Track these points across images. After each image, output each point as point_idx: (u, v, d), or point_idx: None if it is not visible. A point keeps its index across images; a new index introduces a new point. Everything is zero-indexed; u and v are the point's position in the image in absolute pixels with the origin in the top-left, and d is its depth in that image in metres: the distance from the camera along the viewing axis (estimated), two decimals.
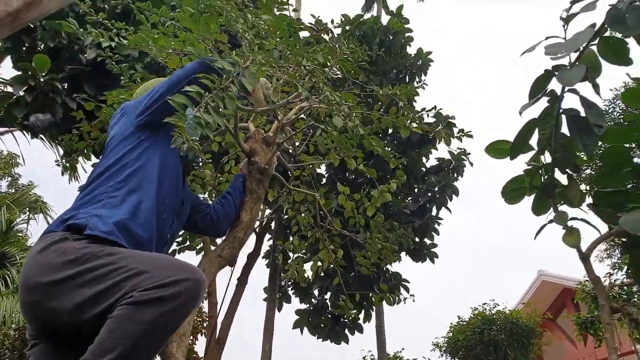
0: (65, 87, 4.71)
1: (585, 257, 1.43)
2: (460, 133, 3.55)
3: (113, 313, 1.25)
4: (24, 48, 4.82)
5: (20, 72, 4.48)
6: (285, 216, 5.75)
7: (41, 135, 5.62)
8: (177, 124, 1.39)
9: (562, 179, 1.44)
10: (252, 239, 7.62)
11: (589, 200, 1.55)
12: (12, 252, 11.21)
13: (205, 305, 9.31)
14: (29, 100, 4.36)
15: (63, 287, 1.33)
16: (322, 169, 7.42)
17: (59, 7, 1.07)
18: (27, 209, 12.75)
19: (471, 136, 3.50)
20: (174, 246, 5.63)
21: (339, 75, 2.56)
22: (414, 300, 3.67)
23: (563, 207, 1.43)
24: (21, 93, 4.44)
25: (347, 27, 8.15)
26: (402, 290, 7.18)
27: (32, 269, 1.39)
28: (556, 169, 1.39)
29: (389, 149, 7.55)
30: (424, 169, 7.76)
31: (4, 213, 10.96)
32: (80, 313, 1.30)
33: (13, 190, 14.64)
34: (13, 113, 4.39)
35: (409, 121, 2.87)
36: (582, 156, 1.53)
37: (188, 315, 1.34)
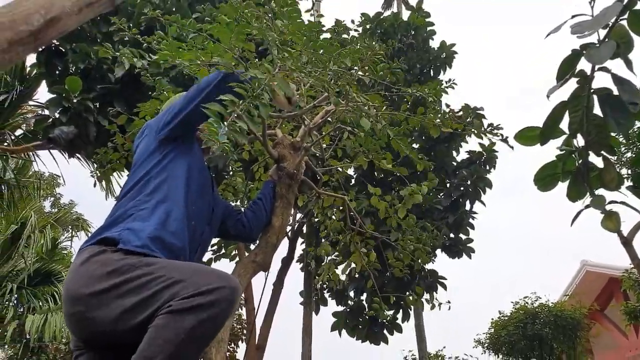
0: (97, 106, 4.87)
1: (627, 242, 1.37)
2: (491, 127, 3.47)
3: (153, 322, 1.28)
4: (57, 72, 5.02)
5: (54, 95, 4.66)
6: (316, 219, 5.75)
7: (77, 155, 5.83)
8: (210, 129, 1.42)
9: (598, 162, 1.39)
10: (285, 243, 7.67)
11: (628, 183, 1.48)
12: (58, 270, 11.63)
13: (243, 312, 9.43)
14: (64, 121, 4.54)
15: (104, 298, 1.36)
16: (350, 170, 7.40)
17: (77, 24, 1.11)
18: (70, 227, 13.22)
19: (502, 134, 3.40)
20: (209, 254, 5.72)
21: (365, 77, 2.55)
22: (449, 308, 3.61)
23: (600, 191, 1.37)
24: (57, 115, 4.62)
25: (368, 26, 8.12)
26: (439, 290, 7.06)
27: (75, 280, 1.43)
28: (590, 152, 1.34)
29: (417, 145, 7.46)
30: (454, 163, 7.64)
31: (48, 232, 11.38)
32: (121, 322, 1.34)
33: (56, 210, 15.18)
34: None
35: (437, 120, 2.82)
36: (619, 138, 1.47)
37: (225, 322, 1.36)
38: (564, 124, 1.38)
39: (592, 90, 1.27)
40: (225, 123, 1.49)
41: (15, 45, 0.98)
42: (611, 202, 1.32)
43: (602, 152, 1.34)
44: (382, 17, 8.27)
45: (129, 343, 1.32)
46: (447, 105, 6.67)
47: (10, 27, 0.97)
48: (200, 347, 1.32)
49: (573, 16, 1.26)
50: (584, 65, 1.26)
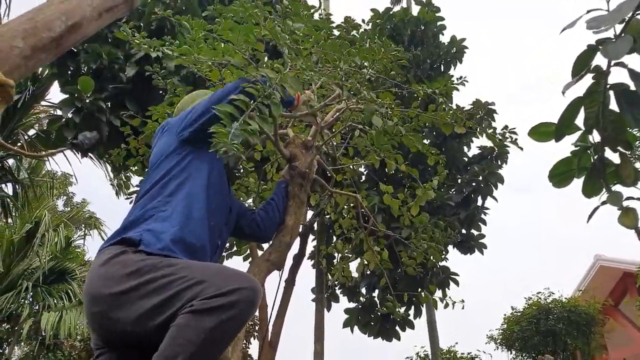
0: (109, 105, 4.90)
1: None
2: (505, 129, 3.46)
3: (175, 322, 1.28)
4: (69, 72, 5.07)
5: (67, 95, 4.71)
6: (328, 217, 5.75)
7: (90, 154, 5.89)
8: (219, 130, 1.42)
9: (614, 157, 1.38)
10: (297, 240, 7.67)
11: None
12: (72, 268, 11.80)
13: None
14: (77, 121, 4.58)
15: (126, 298, 1.37)
16: (361, 167, 7.38)
17: (97, 29, 1.12)
18: (83, 225, 13.38)
19: (512, 135, 3.40)
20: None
21: (375, 75, 2.54)
22: (463, 307, 3.59)
23: (616, 187, 1.36)
24: (69, 115, 4.66)
25: (377, 22, 8.08)
26: (452, 286, 7.04)
27: (96, 281, 1.44)
28: (606, 148, 1.33)
29: (428, 141, 7.43)
30: (466, 159, 7.59)
31: (62, 231, 11.52)
32: (143, 323, 1.34)
33: (69, 209, 15.36)
34: (64, 134, 4.63)
35: (449, 118, 2.80)
36: (636, 134, 1.46)
37: (246, 322, 1.37)
38: (579, 120, 1.37)
39: (608, 86, 1.26)
40: (237, 124, 1.49)
41: (38, 52, 0.99)
42: (628, 198, 1.31)
43: (619, 147, 1.33)
44: (391, 12, 8.23)
45: (150, 342, 1.33)
46: (457, 106, 6.65)
47: (32, 33, 0.98)
48: (221, 347, 1.32)
49: (588, 11, 1.25)
50: (599, 60, 1.25)
